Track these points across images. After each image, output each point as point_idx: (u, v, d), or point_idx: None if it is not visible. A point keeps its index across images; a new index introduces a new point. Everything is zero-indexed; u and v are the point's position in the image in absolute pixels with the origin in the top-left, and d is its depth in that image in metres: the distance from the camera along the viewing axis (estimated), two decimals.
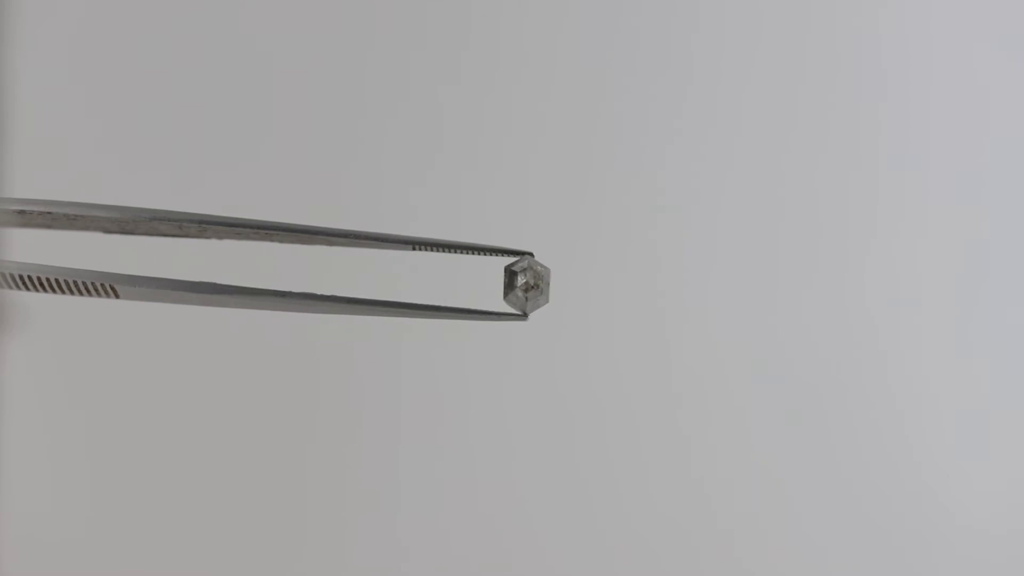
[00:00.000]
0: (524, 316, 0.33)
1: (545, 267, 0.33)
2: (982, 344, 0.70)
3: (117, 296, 0.38)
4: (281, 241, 0.37)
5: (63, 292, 0.38)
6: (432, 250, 0.33)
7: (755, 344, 0.69)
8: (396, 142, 0.67)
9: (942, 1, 0.70)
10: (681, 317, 0.69)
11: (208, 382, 0.65)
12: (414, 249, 0.33)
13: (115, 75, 0.66)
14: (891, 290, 0.70)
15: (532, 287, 0.32)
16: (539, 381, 0.68)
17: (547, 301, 0.33)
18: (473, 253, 0.33)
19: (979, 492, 0.70)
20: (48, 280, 0.38)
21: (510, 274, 0.33)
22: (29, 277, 0.39)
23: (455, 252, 0.33)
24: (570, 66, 0.69)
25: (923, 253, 0.70)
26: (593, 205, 0.68)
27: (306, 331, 0.66)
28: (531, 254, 0.33)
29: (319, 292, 0.35)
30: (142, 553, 0.65)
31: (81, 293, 0.38)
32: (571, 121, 0.68)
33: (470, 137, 0.68)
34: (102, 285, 0.38)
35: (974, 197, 0.71)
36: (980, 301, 0.71)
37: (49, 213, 0.40)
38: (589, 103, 0.69)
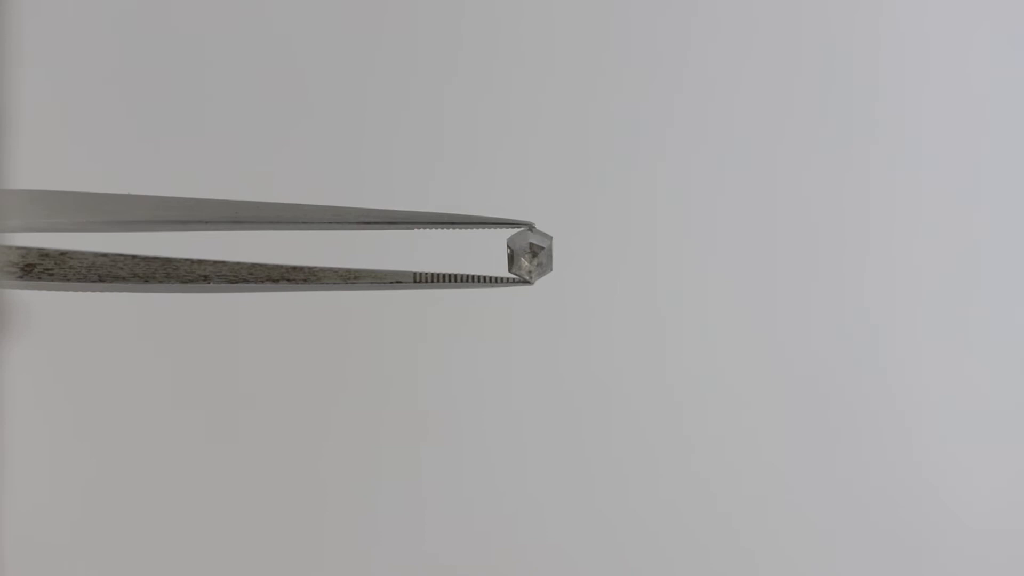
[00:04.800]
0: (529, 282, 0.33)
1: (547, 235, 0.33)
2: (982, 342, 0.71)
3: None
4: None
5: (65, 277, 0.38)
6: (432, 227, 0.33)
7: (755, 338, 0.69)
8: (394, 118, 0.67)
9: (939, 0, 0.71)
10: (680, 310, 0.69)
11: (213, 381, 0.65)
12: (415, 227, 0.33)
13: (117, 71, 0.66)
14: (892, 288, 0.70)
15: (535, 260, 0.33)
16: (542, 373, 0.68)
17: (551, 269, 0.33)
18: (473, 227, 0.33)
19: (979, 490, 0.70)
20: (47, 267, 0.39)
21: (512, 246, 0.33)
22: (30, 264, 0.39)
23: (455, 227, 0.33)
24: (572, 40, 0.69)
25: (923, 251, 0.70)
26: (593, 190, 0.68)
27: (309, 329, 0.66)
28: (532, 225, 0.33)
29: (322, 268, 0.35)
30: (146, 554, 0.65)
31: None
32: (572, 104, 0.69)
33: (470, 112, 0.68)
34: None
35: (972, 196, 0.71)
36: (980, 300, 0.71)
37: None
38: (591, 84, 0.69)
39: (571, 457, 0.68)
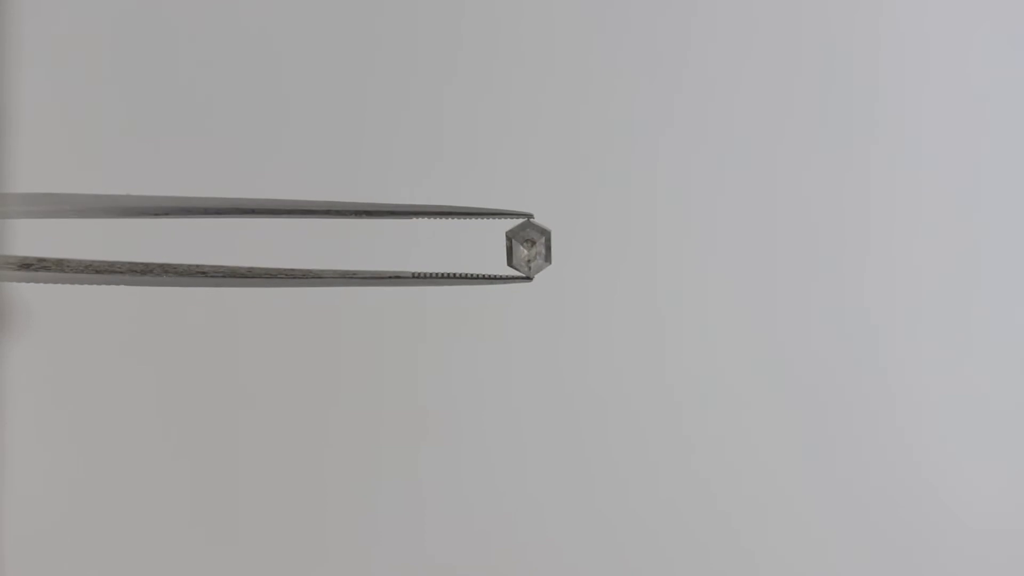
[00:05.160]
0: (528, 279, 0.33)
1: (546, 228, 0.33)
2: (982, 343, 0.70)
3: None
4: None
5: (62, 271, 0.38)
6: (432, 217, 0.33)
7: (755, 338, 0.69)
8: (394, 115, 0.67)
9: (939, 0, 0.71)
10: (680, 309, 0.69)
11: (213, 381, 0.65)
12: (415, 217, 0.33)
13: (117, 71, 0.66)
14: (892, 289, 0.70)
15: (534, 250, 0.32)
16: (541, 371, 0.68)
17: (549, 263, 0.33)
18: (473, 217, 0.33)
19: (979, 491, 0.70)
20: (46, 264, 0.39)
21: (511, 239, 0.33)
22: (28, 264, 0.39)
23: (455, 218, 0.33)
24: (572, 38, 0.69)
25: (923, 252, 0.70)
26: (592, 187, 0.68)
27: (307, 328, 0.66)
28: (531, 216, 0.33)
29: (321, 268, 0.35)
30: (146, 553, 0.65)
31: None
32: (572, 101, 0.69)
33: (470, 104, 0.68)
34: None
35: (972, 196, 0.71)
36: (980, 300, 0.71)
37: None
38: (591, 80, 0.69)
39: (571, 456, 0.68)
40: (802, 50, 0.70)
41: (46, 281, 0.37)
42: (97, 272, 0.36)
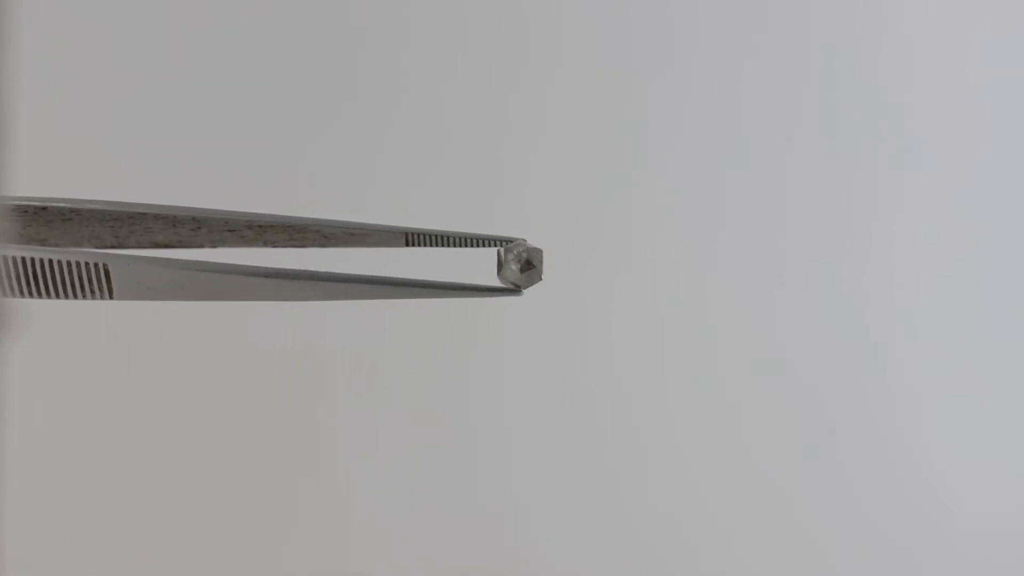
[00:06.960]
0: (519, 290, 0.33)
1: (538, 248, 0.33)
2: (981, 342, 0.70)
3: (111, 295, 0.38)
4: (275, 244, 0.37)
5: (59, 293, 0.38)
6: (425, 244, 0.33)
7: (754, 339, 0.69)
8: (393, 133, 0.67)
9: (942, 3, 0.71)
10: (679, 314, 0.69)
11: (212, 381, 0.66)
12: (407, 244, 0.33)
13: (116, 69, 0.66)
14: (892, 289, 0.70)
15: (525, 262, 0.32)
16: (535, 374, 0.68)
17: (540, 278, 0.33)
18: (466, 245, 0.33)
19: (978, 491, 0.70)
20: (44, 270, 0.38)
21: (503, 252, 0.33)
22: (26, 270, 0.39)
23: (448, 245, 0.33)
24: (570, 52, 0.69)
25: (922, 254, 0.70)
26: (594, 202, 0.68)
27: (300, 331, 0.66)
28: (524, 240, 0.33)
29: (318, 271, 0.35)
30: (143, 551, 0.65)
31: (75, 292, 0.38)
32: (572, 113, 0.69)
33: (468, 126, 0.68)
34: (96, 274, 0.38)
35: (973, 199, 0.71)
36: (980, 300, 0.70)
37: (45, 208, 0.40)
38: (591, 94, 0.69)
39: (568, 459, 0.68)
40: (802, 54, 0.70)
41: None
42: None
